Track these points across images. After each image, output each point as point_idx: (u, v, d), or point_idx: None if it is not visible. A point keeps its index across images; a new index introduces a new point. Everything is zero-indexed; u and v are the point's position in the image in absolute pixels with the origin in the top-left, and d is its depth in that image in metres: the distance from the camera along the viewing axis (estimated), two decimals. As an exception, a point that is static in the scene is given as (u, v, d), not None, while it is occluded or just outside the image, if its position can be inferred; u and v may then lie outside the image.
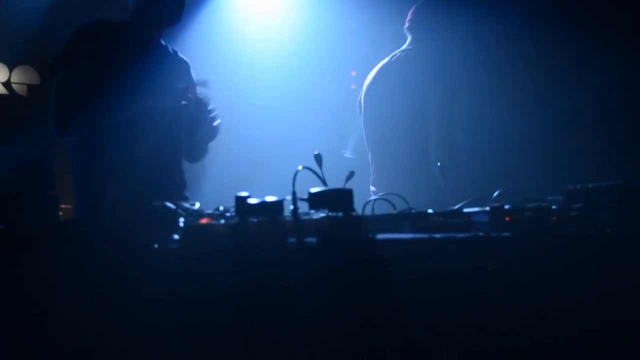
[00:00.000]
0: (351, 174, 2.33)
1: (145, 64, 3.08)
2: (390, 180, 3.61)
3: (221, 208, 1.85)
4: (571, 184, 2.29)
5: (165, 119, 3.11)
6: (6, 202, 2.86)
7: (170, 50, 3.33)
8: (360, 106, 3.99)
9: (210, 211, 1.87)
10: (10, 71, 5.81)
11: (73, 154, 3.13)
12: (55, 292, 1.74)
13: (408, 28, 3.87)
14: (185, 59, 3.42)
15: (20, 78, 5.86)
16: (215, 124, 3.20)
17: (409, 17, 3.88)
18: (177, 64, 3.33)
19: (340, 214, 1.71)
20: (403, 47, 3.88)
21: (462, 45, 3.83)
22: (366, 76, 4.00)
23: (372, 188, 3.82)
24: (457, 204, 2.41)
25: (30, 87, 5.91)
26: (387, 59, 3.91)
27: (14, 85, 5.85)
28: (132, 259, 1.72)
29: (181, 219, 1.80)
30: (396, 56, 3.85)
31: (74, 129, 3.00)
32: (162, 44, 3.27)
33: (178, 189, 3.26)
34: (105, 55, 2.99)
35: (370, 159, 3.91)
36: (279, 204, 1.69)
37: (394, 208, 2.28)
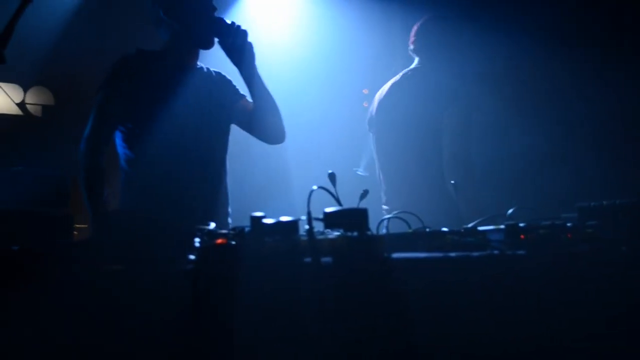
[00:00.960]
0: (365, 193, 2.34)
1: (182, 87, 3.20)
2: (403, 199, 3.61)
3: (236, 228, 1.85)
4: (585, 201, 2.28)
5: (205, 140, 3.22)
6: (20, 222, 2.88)
7: (205, 69, 3.44)
8: (370, 125, 3.99)
9: (225, 231, 1.88)
10: (25, 92, 5.85)
11: (123, 165, 3.25)
12: (70, 312, 1.75)
13: (413, 50, 3.87)
14: (223, 74, 3.51)
15: (34, 99, 5.90)
16: (242, 29, 3.23)
17: (411, 38, 3.88)
18: (214, 84, 3.42)
19: (355, 233, 1.71)
20: (413, 66, 3.88)
21: (470, 61, 3.83)
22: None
23: (384, 207, 3.81)
24: (472, 221, 2.40)
25: (45, 108, 5.95)
26: (397, 77, 3.90)
27: (28, 106, 5.88)
28: (147, 280, 1.72)
29: (196, 240, 1.80)
30: (407, 74, 3.85)
31: (100, 152, 3.09)
32: (197, 66, 3.35)
33: (220, 205, 3.33)
34: (144, 81, 3.14)
35: (380, 177, 3.89)
36: (294, 224, 1.69)
37: (409, 227, 2.28)
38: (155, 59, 3.24)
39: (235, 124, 3.46)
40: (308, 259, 1.65)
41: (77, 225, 3.60)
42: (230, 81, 3.47)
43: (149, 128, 3.10)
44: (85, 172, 3.06)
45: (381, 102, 3.92)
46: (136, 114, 3.11)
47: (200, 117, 3.23)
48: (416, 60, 3.88)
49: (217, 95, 3.36)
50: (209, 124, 3.27)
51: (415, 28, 3.90)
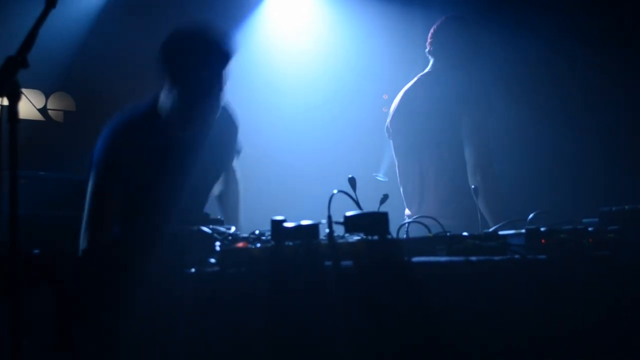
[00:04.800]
0: (385, 197, 2.33)
1: (174, 159, 2.84)
2: (421, 203, 3.60)
3: (257, 232, 1.86)
4: (606, 206, 2.27)
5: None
6: (43, 225, 2.91)
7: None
8: (388, 132, 3.97)
9: (246, 235, 1.88)
10: (47, 98, 5.88)
11: None
12: (93, 313, 1.76)
13: (429, 52, 3.82)
14: (233, 119, 3.09)
15: (56, 104, 5.93)
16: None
17: (429, 39, 3.84)
18: (213, 145, 2.96)
19: (375, 237, 1.71)
20: (426, 71, 3.85)
21: (487, 63, 3.80)
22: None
23: (407, 212, 3.79)
24: (493, 226, 2.39)
25: (66, 114, 5.98)
26: (410, 83, 3.86)
27: (50, 112, 5.91)
28: (169, 283, 1.73)
29: (217, 243, 1.81)
30: (421, 80, 3.81)
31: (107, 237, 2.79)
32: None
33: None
34: (135, 159, 2.76)
35: (400, 183, 3.87)
36: (314, 228, 1.70)
37: (429, 231, 2.28)
38: (148, 123, 2.83)
39: None
40: (328, 263, 1.65)
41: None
42: (234, 134, 3.11)
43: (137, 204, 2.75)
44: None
45: (396, 109, 3.90)
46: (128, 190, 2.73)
47: (189, 188, 2.82)
48: (431, 62, 3.85)
49: (212, 161, 3.00)
50: (195, 193, 2.90)
51: (432, 30, 3.86)
